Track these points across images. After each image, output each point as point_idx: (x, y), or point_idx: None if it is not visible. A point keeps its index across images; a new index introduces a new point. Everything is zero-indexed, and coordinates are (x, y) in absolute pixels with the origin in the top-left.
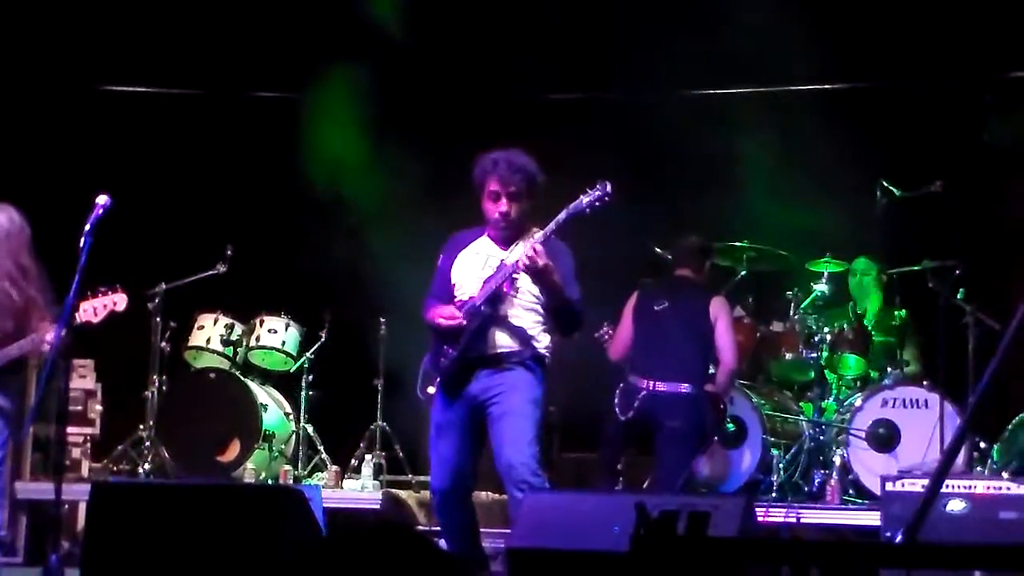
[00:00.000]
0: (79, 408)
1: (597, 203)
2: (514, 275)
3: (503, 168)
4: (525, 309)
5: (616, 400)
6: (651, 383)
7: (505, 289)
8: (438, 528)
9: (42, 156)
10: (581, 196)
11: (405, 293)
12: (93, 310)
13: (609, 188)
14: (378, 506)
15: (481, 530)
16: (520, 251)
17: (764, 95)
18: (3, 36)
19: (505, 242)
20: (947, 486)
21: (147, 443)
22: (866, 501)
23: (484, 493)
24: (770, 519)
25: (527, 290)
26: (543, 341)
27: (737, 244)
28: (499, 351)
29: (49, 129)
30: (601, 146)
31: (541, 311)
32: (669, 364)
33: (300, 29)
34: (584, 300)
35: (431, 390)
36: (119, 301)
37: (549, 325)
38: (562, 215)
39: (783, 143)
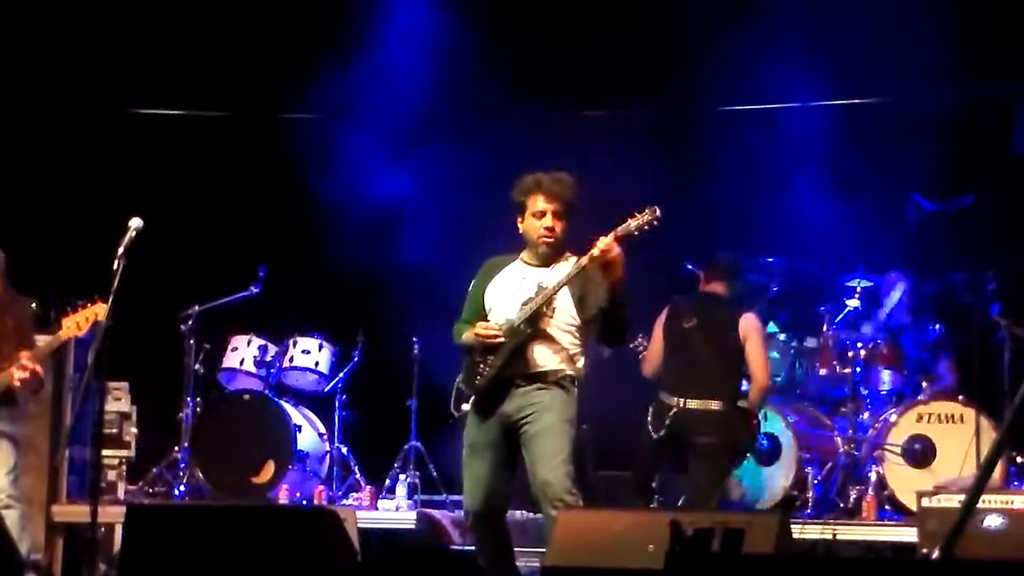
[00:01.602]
0: (114, 431)
1: (646, 227)
2: (554, 295)
3: (549, 186)
4: (562, 330)
5: (649, 418)
6: (682, 401)
7: (544, 309)
8: (472, 548)
9: (75, 179)
10: (629, 219)
11: (439, 313)
12: (76, 324)
13: (659, 213)
14: (413, 526)
15: (515, 549)
16: (560, 272)
17: (796, 110)
18: (37, 61)
19: (544, 263)
20: (984, 501)
21: (182, 465)
22: (902, 517)
23: (518, 512)
24: (806, 536)
25: (566, 310)
26: (578, 363)
27: (770, 260)
28: (535, 370)
29: (82, 152)
30: (634, 159)
31: (577, 333)
32: (699, 381)
33: (327, 51)
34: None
35: (465, 407)
36: (100, 312)
37: (585, 346)
38: (611, 236)
39: (815, 157)
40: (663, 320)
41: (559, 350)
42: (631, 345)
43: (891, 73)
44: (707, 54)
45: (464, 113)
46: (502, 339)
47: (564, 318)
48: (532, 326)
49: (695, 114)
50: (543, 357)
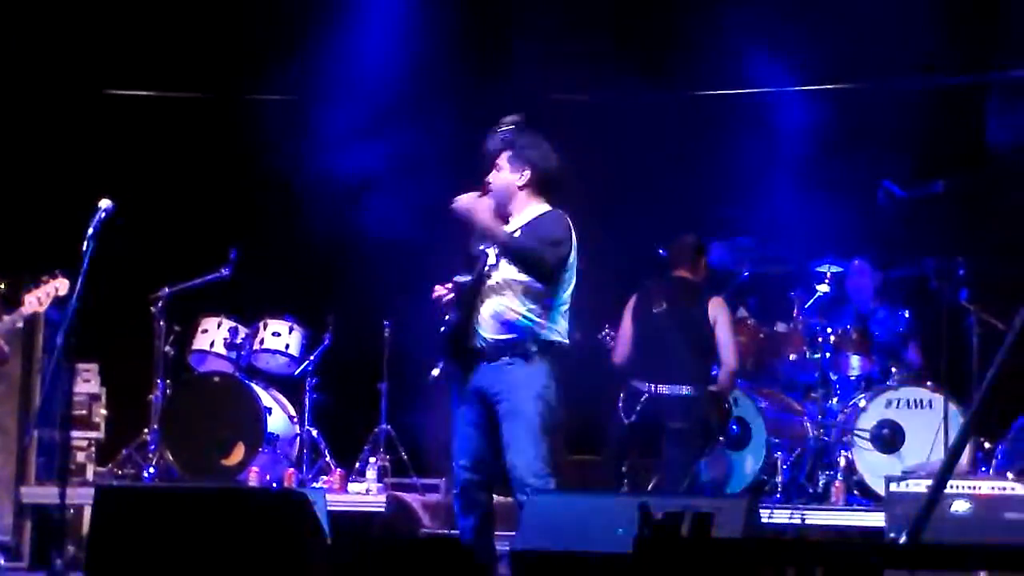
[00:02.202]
0: (83, 412)
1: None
2: (486, 250)
3: (486, 141)
4: (511, 288)
5: (620, 403)
6: (653, 386)
7: (485, 267)
8: (443, 531)
9: (47, 160)
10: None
11: (409, 295)
12: (37, 300)
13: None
14: (383, 509)
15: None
16: (513, 224)
17: (765, 95)
18: (10, 41)
19: (504, 219)
20: (951, 487)
21: (151, 447)
22: (870, 502)
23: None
24: (775, 520)
25: (508, 267)
26: (543, 328)
27: (740, 244)
28: (495, 341)
29: (53, 133)
30: (602, 146)
31: (530, 292)
32: (669, 366)
33: (299, 32)
34: (587, 293)
35: (435, 372)
36: (60, 286)
37: (553, 308)
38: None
39: (785, 143)
40: (632, 305)
41: (513, 310)
42: (598, 337)
43: (864, 60)
44: (679, 39)
45: (433, 93)
46: (450, 296)
47: (507, 274)
48: (477, 284)
49: (668, 99)
50: (499, 319)
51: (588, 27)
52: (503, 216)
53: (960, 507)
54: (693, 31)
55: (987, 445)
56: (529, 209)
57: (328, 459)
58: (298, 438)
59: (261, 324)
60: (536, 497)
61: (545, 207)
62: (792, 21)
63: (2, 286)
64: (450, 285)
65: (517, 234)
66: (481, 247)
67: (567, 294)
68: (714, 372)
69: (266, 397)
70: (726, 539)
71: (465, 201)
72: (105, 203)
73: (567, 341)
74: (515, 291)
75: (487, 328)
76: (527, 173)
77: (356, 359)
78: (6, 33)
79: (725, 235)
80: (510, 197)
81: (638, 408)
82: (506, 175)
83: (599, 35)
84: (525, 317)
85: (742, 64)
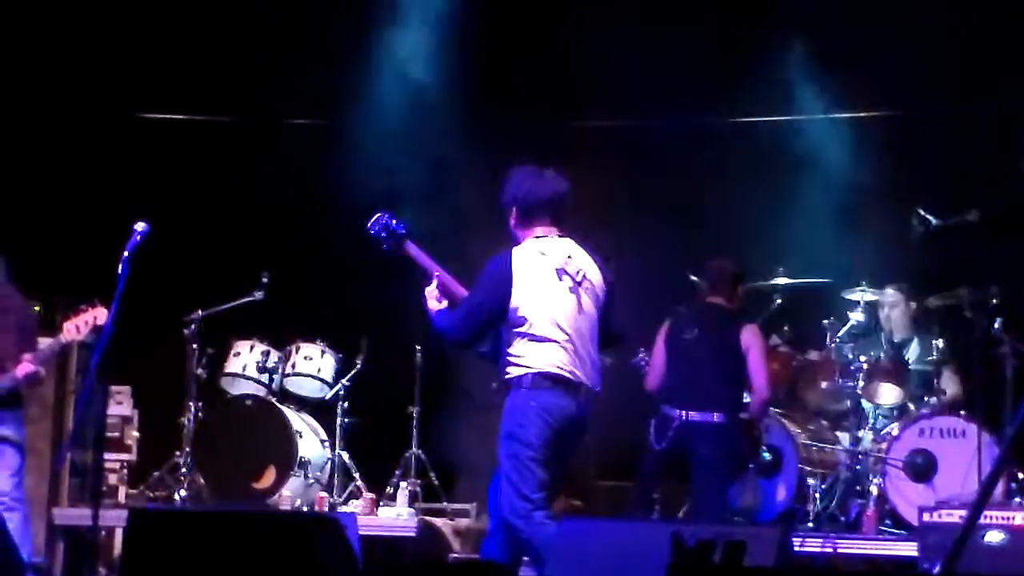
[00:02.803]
0: (116, 434)
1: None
2: None
3: None
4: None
5: (651, 430)
6: (684, 412)
7: None
8: (473, 556)
9: (81, 184)
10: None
11: None
12: (76, 328)
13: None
14: (413, 534)
15: None
16: None
17: (800, 123)
18: (46, 66)
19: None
20: (985, 517)
21: (183, 469)
22: (903, 532)
23: None
24: (806, 549)
25: None
26: (515, 357)
27: (774, 274)
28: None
29: (88, 156)
30: (638, 173)
31: (510, 336)
32: (701, 393)
33: (331, 58)
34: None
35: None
36: (99, 316)
37: (520, 345)
38: None
39: (821, 171)
40: (665, 331)
41: (505, 353)
42: (633, 360)
43: (898, 88)
44: (715, 67)
45: (461, 118)
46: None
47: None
48: None
49: (702, 126)
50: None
51: (623, 53)
52: None
53: (994, 538)
54: (729, 59)
55: (1021, 476)
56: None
57: (359, 483)
58: (329, 462)
59: (293, 348)
60: (568, 524)
61: (522, 244)
62: (830, 51)
63: (38, 308)
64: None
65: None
66: None
67: (527, 325)
68: (746, 399)
69: (297, 421)
70: (758, 568)
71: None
72: (140, 226)
73: (535, 368)
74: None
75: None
76: (514, 210)
77: (388, 383)
78: (42, 58)
79: (760, 261)
80: (518, 239)
81: (669, 434)
82: (511, 224)
83: (637, 62)
84: (506, 354)
85: (779, 92)
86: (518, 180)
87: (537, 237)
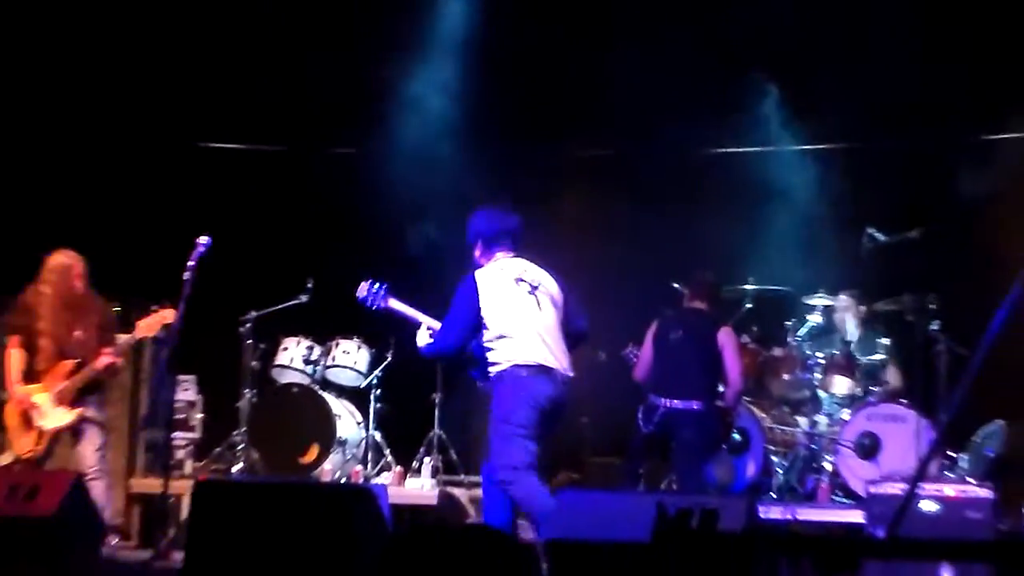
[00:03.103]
0: (183, 416)
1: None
2: None
3: None
4: None
5: (639, 415)
6: (668, 401)
7: None
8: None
9: (155, 202)
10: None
11: None
12: (148, 326)
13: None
14: (435, 503)
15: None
16: None
17: (767, 154)
18: (120, 102)
19: None
20: (922, 489)
21: (240, 446)
22: (852, 501)
23: None
24: (770, 516)
25: None
26: (497, 356)
27: (745, 282)
28: None
29: (161, 179)
30: (633, 199)
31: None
32: (683, 385)
33: (363, 96)
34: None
35: None
36: (168, 316)
37: (490, 345)
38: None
39: (784, 194)
40: (653, 332)
41: (485, 349)
42: (622, 353)
43: (852, 123)
44: (695, 104)
45: (477, 144)
46: None
47: None
48: None
49: (685, 156)
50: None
51: (615, 89)
52: None
53: (929, 507)
54: (709, 100)
55: (952, 454)
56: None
57: (389, 459)
58: (364, 441)
59: (333, 343)
60: (568, 494)
61: (485, 268)
62: (791, 89)
63: (117, 309)
64: None
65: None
66: None
67: (498, 327)
68: (721, 390)
69: (337, 405)
70: (729, 532)
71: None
72: (203, 239)
73: (514, 360)
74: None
75: None
76: (479, 243)
77: (414, 374)
78: (119, 96)
79: (733, 271)
80: (481, 267)
81: (655, 419)
82: (476, 257)
83: (627, 97)
84: (486, 357)
85: (749, 126)
86: (480, 219)
87: (497, 260)
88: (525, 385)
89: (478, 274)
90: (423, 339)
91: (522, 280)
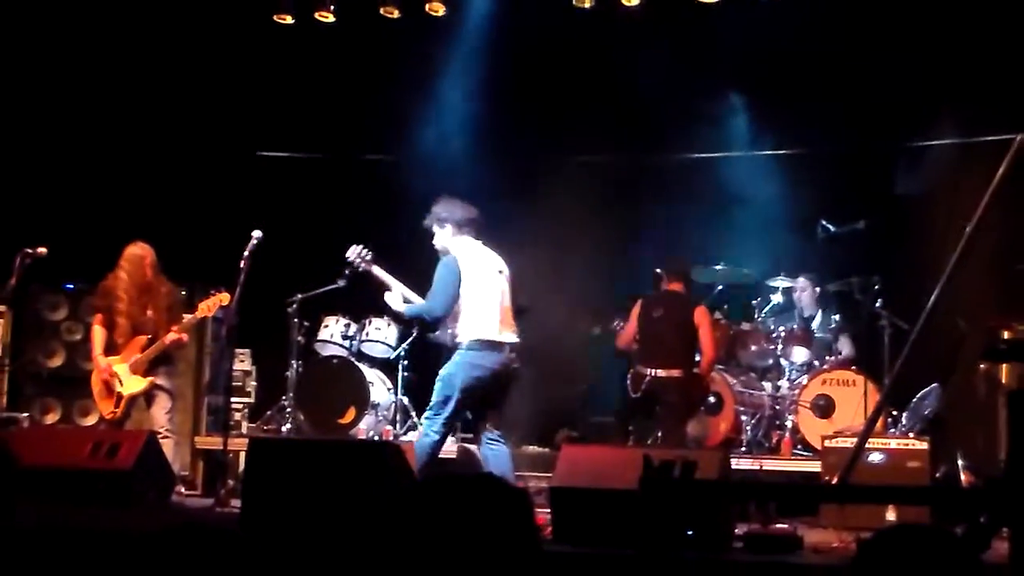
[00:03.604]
0: (240, 384)
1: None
2: None
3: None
4: None
5: (628, 382)
6: (652, 371)
7: None
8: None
9: (217, 201)
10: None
11: None
12: (207, 307)
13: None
14: (454, 456)
15: (528, 474)
16: None
17: (734, 159)
18: (192, 119)
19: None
20: (869, 443)
21: (288, 409)
22: (810, 453)
23: (531, 447)
24: (740, 467)
25: None
26: (462, 327)
27: (717, 267)
28: None
29: (223, 182)
30: (620, 196)
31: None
32: (666, 356)
33: (394, 106)
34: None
35: None
36: (223, 299)
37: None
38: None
39: (750, 193)
40: (637, 310)
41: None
42: (611, 326)
43: (805, 130)
44: (674, 117)
45: (492, 145)
46: None
47: None
48: None
49: (665, 161)
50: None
51: (601, 104)
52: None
53: (876, 458)
54: (688, 110)
55: (895, 413)
56: (446, 254)
57: (415, 420)
58: (393, 404)
59: (367, 321)
60: (568, 448)
61: (456, 250)
62: (753, 98)
63: (183, 293)
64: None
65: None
66: None
67: (468, 304)
68: (698, 360)
69: (370, 374)
70: (706, 480)
71: (387, 300)
72: (257, 233)
73: (473, 336)
74: None
75: None
76: (448, 227)
77: (436, 347)
78: (192, 113)
79: (708, 257)
80: (448, 247)
81: (642, 386)
82: (439, 235)
83: (616, 111)
84: (452, 326)
85: (718, 134)
86: (449, 205)
87: (468, 246)
88: (474, 358)
89: (458, 256)
90: (397, 302)
91: (489, 266)
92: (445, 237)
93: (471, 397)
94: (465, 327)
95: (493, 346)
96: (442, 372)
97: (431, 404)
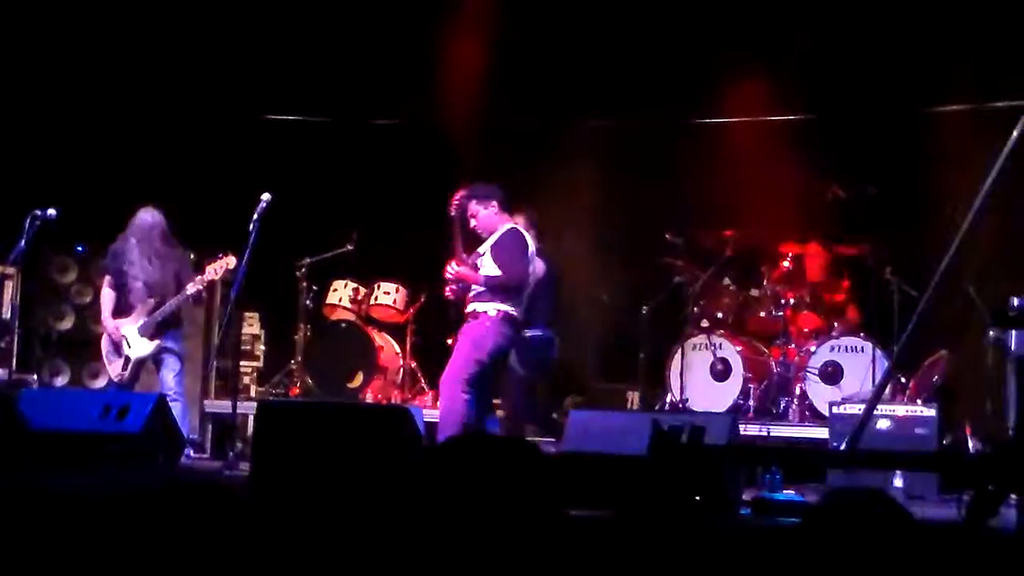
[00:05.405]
0: (248, 348)
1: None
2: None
3: (450, 218)
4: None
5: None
6: None
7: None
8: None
9: (226, 164)
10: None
11: None
12: (214, 271)
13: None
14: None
15: (539, 440)
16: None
17: (749, 124)
18: (200, 83)
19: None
20: (877, 409)
21: (296, 373)
22: (818, 420)
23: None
24: (748, 432)
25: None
26: (492, 300)
27: (726, 232)
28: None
29: (230, 145)
30: (632, 165)
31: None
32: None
33: (402, 69)
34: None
35: None
36: (230, 263)
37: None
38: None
39: (764, 157)
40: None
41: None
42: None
43: (817, 94)
44: (685, 79)
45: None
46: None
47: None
48: None
49: (683, 126)
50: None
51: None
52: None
53: (883, 424)
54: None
55: (903, 379)
56: (500, 228)
57: (423, 384)
58: (401, 369)
59: (376, 285)
60: (576, 413)
61: (507, 225)
62: (771, 62)
63: (192, 256)
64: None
65: (489, 269)
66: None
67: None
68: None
69: (379, 338)
70: (714, 445)
71: (454, 273)
72: (266, 196)
73: (503, 309)
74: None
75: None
76: (494, 203)
77: (443, 313)
78: (200, 77)
79: (718, 222)
80: (493, 225)
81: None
82: (483, 214)
83: (626, 75)
84: (482, 294)
85: (736, 97)
86: (495, 188)
87: (515, 223)
88: (504, 329)
89: (521, 230)
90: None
91: (533, 244)
92: (491, 213)
93: (495, 365)
94: (495, 300)
95: (512, 323)
96: (469, 343)
97: (459, 377)
